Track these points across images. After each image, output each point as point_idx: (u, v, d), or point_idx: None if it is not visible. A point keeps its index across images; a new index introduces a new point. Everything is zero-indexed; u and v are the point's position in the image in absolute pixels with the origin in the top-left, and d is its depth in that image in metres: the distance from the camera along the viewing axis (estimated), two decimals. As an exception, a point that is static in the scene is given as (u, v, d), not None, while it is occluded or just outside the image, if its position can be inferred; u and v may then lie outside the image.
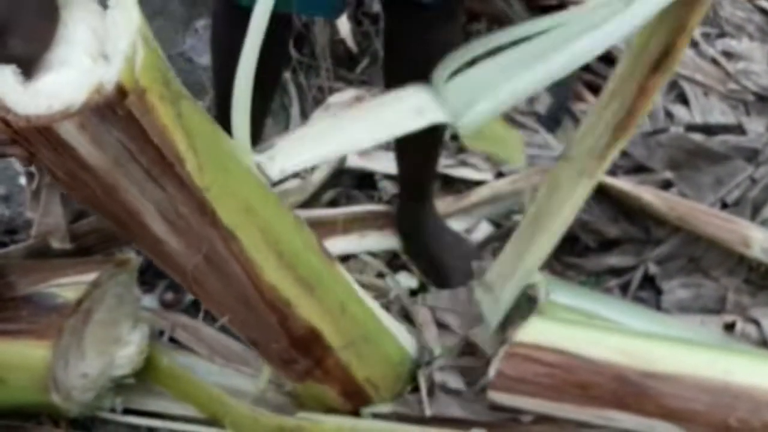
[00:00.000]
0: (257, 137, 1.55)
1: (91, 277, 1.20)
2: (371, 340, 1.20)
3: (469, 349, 1.36)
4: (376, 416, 1.24)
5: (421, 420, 1.25)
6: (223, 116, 1.49)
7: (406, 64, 1.35)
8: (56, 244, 1.24)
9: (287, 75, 2.02)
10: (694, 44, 2.17)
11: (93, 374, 1.20)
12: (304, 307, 1.08)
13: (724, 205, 1.59)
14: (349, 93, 1.98)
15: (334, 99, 1.97)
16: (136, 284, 1.29)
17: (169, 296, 1.45)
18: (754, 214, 1.53)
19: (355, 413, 1.24)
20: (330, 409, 1.24)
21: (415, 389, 1.31)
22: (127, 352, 1.24)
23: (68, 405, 1.18)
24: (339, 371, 1.17)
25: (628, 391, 1.16)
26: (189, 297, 1.48)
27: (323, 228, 1.55)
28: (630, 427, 1.19)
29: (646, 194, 1.52)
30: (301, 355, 1.13)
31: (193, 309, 1.48)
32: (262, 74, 1.41)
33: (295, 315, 1.07)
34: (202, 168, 0.89)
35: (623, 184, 1.53)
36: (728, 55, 2.16)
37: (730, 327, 1.39)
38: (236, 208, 0.96)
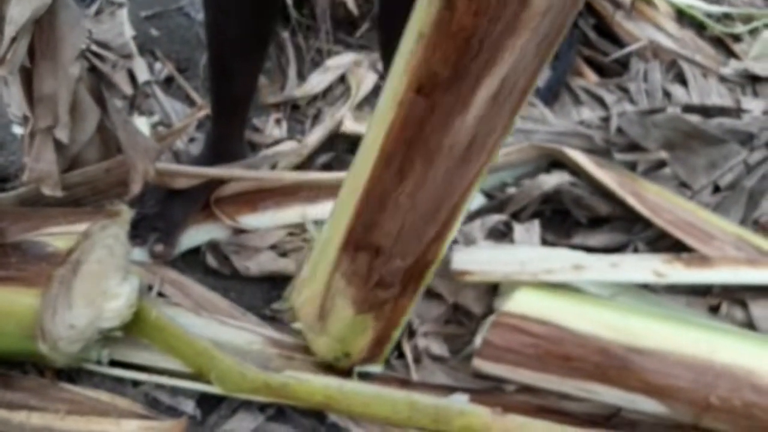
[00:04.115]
0: (250, 96, 1.54)
1: (82, 227, 1.20)
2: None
3: (454, 316, 1.37)
4: (363, 377, 1.25)
5: (406, 384, 1.26)
6: (216, 72, 1.49)
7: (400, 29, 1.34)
8: (47, 191, 1.22)
9: (286, 35, 2.00)
10: (698, 25, 2.17)
11: (80, 325, 1.20)
12: (448, 233, 1.11)
13: (717, 189, 1.59)
14: (348, 57, 1.96)
15: (332, 62, 1.95)
16: (127, 237, 1.29)
17: (159, 248, 1.44)
18: (749, 202, 1.53)
19: (345, 374, 1.25)
20: (325, 364, 1.26)
21: (401, 355, 1.32)
22: (116, 304, 1.23)
23: (54, 355, 1.18)
24: (398, 313, 1.21)
25: (612, 364, 1.17)
26: (178, 249, 1.49)
27: (316, 191, 1.54)
28: (612, 401, 1.20)
29: (626, 194, 1.51)
30: (401, 282, 1.16)
31: (181, 263, 1.48)
32: (256, 31, 1.39)
33: (443, 237, 1.11)
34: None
35: (604, 176, 1.54)
36: (730, 37, 2.16)
37: (715, 309, 1.39)
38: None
